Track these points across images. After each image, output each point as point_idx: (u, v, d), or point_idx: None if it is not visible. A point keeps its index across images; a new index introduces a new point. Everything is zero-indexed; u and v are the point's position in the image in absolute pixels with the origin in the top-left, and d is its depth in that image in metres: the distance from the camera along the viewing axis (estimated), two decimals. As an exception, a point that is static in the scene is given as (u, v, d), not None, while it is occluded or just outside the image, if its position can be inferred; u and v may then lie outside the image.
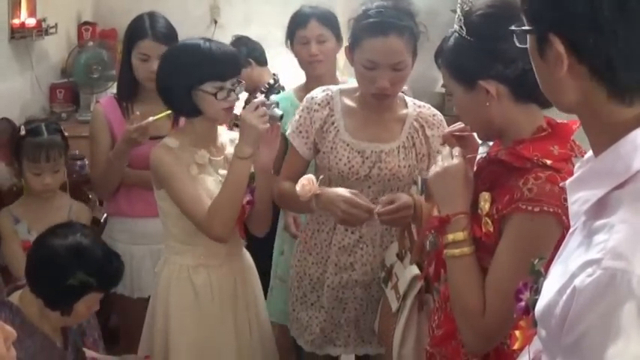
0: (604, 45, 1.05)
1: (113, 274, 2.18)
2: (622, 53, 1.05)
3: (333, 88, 2.47)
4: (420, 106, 2.45)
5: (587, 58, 1.06)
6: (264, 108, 2.24)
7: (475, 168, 1.81)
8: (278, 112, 2.27)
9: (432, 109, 2.48)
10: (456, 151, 1.80)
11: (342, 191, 2.23)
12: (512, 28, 1.21)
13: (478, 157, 1.86)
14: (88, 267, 2.07)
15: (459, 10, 1.69)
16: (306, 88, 3.02)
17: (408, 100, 2.47)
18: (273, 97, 2.85)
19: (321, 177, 2.27)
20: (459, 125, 1.97)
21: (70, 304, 2.06)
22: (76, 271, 2.04)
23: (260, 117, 2.22)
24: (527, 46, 1.18)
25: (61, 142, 2.80)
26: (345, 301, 2.46)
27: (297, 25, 3.06)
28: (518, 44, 1.21)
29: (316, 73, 3.04)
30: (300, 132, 2.42)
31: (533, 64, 1.18)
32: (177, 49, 2.43)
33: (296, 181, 2.41)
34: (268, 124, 2.24)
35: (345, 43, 2.39)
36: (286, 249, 2.95)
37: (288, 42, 3.12)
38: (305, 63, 3.06)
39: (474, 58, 1.66)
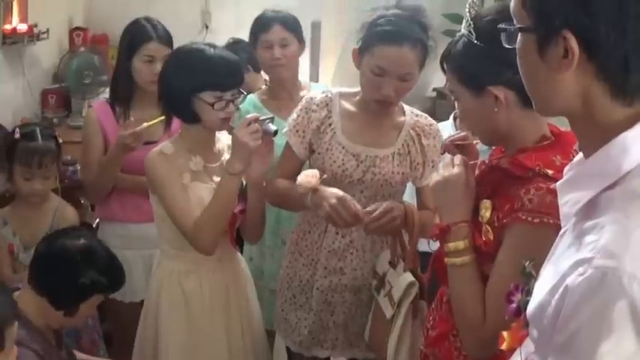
0: (622, 44, 1.05)
1: (119, 276, 2.22)
2: (638, 53, 1.06)
3: (333, 90, 2.48)
4: (417, 115, 2.47)
5: (601, 56, 1.07)
6: (257, 124, 2.22)
7: (477, 172, 1.82)
8: (272, 127, 2.25)
9: (429, 118, 2.50)
10: (458, 159, 1.80)
11: (338, 190, 2.23)
12: (504, 26, 1.20)
13: (479, 160, 1.86)
14: (98, 267, 2.11)
15: (467, 15, 1.69)
16: (270, 91, 3.07)
17: (406, 108, 2.48)
18: None
19: (325, 176, 2.26)
20: (460, 134, 1.97)
21: (78, 304, 2.08)
22: (88, 270, 2.08)
23: (252, 133, 2.20)
24: (518, 45, 1.18)
25: (54, 149, 2.80)
26: (333, 304, 2.46)
27: (260, 30, 3.02)
28: (506, 44, 1.21)
29: (279, 76, 3.02)
30: (297, 131, 2.42)
31: (525, 63, 1.18)
32: (182, 53, 2.40)
33: (290, 180, 2.42)
34: (260, 141, 2.22)
35: (355, 45, 2.36)
36: (255, 256, 2.95)
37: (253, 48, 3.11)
38: (268, 67, 3.04)
39: (483, 64, 1.65)
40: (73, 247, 2.11)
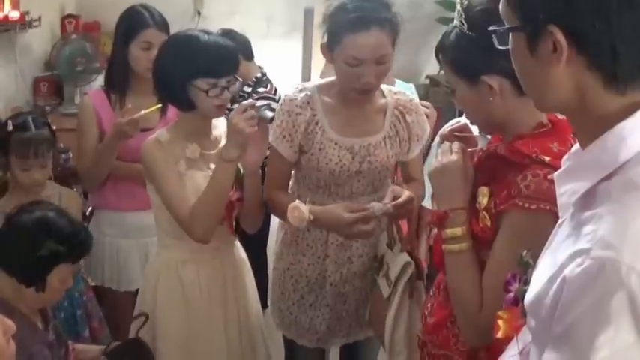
0: (608, 32, 1.06)
1: (81, 242, 2.19)
2: (625, 40, 1.06)
3: (309, 85, 2.42)
4: (395, 93, 2.45)
5: (589, 47, 1.07)
6: (253, 111, 2.19)
7: (475, 159, 1.82)
8: (268, 114, 2.22)
9: (407, 93, 2.49)
10: (456, 146, 1.81)
11: (339, 210, 2.21)
12: (494, 28, 1.22)
13: (477, 148, 1.87)
14: (56, 236, 2.09)
15: (458, 6, 1.69)
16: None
17: (384, 87, 2.43)
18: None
19: (308, 202, 2.23)
20: (458, 124, 1.98)
21: (43, 277, 2.07)
22: (45, 240, 2.06)
23: (247, 120, 2.17)
24: (511, 45, 1.19)
25: (49, 136, 2.77)
26: (346, 294, 2.48)
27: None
28: (498, 46, 1.22)
29: None
30: (284, 137, 2.36)
31: (519, 63, 1.19)
32: (176, 40, 2.37)
33: (284, 188, 2.44)
34: (256, 128, 2.18)
35: (321, 40, 2.28)
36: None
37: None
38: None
39: (476, 53, 1.64)
40: (28, 220, 2.11)
